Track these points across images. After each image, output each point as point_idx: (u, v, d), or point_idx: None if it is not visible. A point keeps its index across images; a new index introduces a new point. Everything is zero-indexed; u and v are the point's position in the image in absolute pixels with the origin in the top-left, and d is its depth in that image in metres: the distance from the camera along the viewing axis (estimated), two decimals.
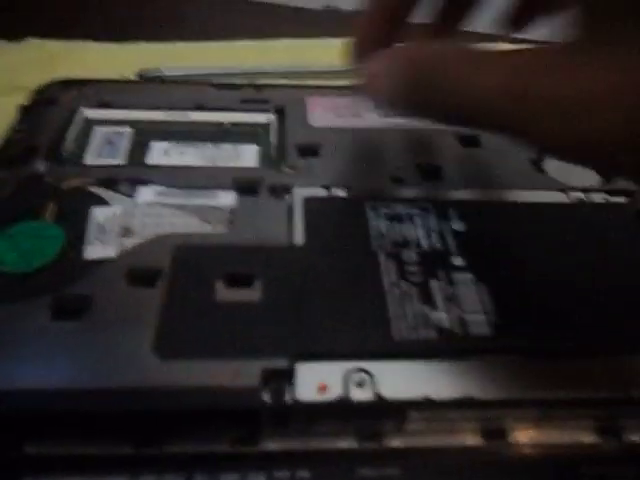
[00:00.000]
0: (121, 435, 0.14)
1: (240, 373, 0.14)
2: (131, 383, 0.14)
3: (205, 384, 0.14)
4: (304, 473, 0.14)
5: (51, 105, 0.23)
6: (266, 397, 0.14)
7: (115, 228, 0.18)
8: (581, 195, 0.20)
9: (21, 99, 0.26)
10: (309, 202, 0.19)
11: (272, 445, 0.14)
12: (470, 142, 0.23)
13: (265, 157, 0.22)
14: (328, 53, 0.31)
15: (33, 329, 0.15)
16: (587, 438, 0.15)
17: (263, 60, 0.31)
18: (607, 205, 0.20)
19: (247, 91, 0.25)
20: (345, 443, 0.14)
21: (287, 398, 0.14)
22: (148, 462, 0.14)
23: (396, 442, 0.15)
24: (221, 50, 0.32)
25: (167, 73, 0.30)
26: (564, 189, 0.21)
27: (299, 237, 0.18)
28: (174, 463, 0.14)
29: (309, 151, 0.22)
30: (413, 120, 0.23)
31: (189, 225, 0.18)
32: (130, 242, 0.18)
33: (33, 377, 0.14)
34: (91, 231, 0.18)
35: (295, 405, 0.14)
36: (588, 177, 0.21)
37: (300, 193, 0.19)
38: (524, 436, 0.15)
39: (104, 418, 0.14)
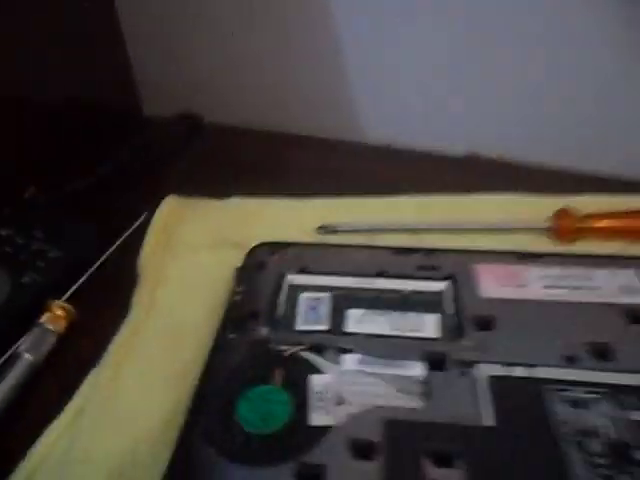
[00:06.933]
0: None
1: None
2: None
3: None
4: None
5: (261, 269, 0.29)
6: None
7: (330, 395, 0.22)
8: None
9: (226, 253, 0.32)
10: (494, 382, 0.22)
11: None
12: (634, 318, 0.24)
13: (445, 327, 0.25)
14: (484, 209, 0.35)
15: None
16: None
17: (423, 214, 0.35)
18: None
19: (419, 256, 0.29)
20: None
21: None
22: None
23: None
24: (380, 205, 0.36)
25: (341, 228, 0.35)
26: None
27: (488, 417, 0.20)
28: None
29: (484, 324, 0.25)
30: (575, 294, 0.26)
31: (389, 395, 0.22)
32: (344, 410, 0.21)
33: None
34: (312, 398, 0.22)
35: None
36: None
37: (484, 371, 0.22)
38: None
39: None
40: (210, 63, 0.48)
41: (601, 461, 0.19)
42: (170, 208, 0.35)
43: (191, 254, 0.33)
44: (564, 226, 0.33)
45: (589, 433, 0.20)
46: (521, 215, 0.34)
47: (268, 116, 0.47)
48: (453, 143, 0.44)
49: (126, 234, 0.34)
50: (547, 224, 0.34)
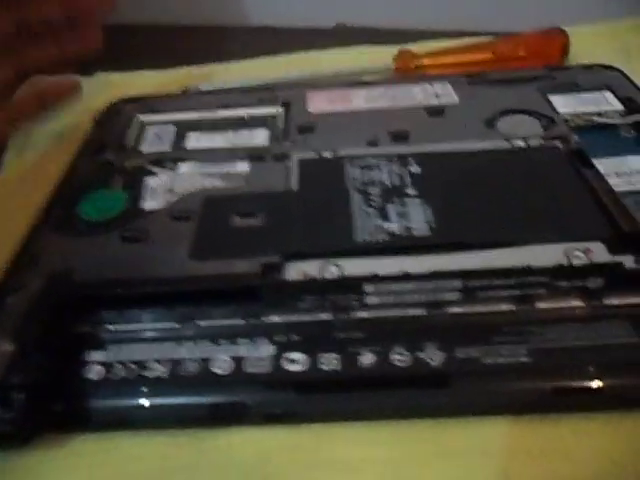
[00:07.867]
0: (167, 312, 0.20)
1: (247, 266, 0.20)
2: (176, 275, 0.20)
3: (225, 274, 0.20)
4: (295, 337, 0.20)
5: (116, 115, 0.31)
6: (266, 280, 0.20)
7: (162, 189, 0.25)
8: (521, 143, 0.26)
9: (91, 115, 0.34)
10: (302, 162, 0.25)
11: (273, 318, 0.20)
12: (435, 112, 0.28)
13: (273, 137, 0.28)
14: (337, 60, 0.38)
15: (109, 249, 0.22)
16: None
17: (280, 71, 0.38)
18: (542, 147, 0.25)
19: (262, 92, 0.32)
20: (324, 315, 0.20)
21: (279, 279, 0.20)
22: (187, 333, 0.20)
23: (361, 314, 0.20)
24: (244, 68, 0.39)
25: (204, 89, 0.37)
26: (508, 139, 0.26)
27: (295, 185, 0.24)
28: (206, 332, 0.20)
29: (306, 129, 0.28)
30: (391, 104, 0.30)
31: (214, 184, 0.25)
32: (172, 196, 0.24)
33: (110, 273, 0.21)
34: (146, 192, 0.25)
35: (284, 283, 0.20)
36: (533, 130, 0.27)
37: (297, 157, 0.26)
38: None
39: (158, 299, 0.20)
40: None
41: (375, 198, 0.23)
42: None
43: (56, 120, 0.35)
44: (404, 64, 0.37)
45: (372, 183, 0.24)
46: (371, 61, 0.38)
47: (149, 8, 0.48)
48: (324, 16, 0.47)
49: None
50: (391, 65, 0.37)
